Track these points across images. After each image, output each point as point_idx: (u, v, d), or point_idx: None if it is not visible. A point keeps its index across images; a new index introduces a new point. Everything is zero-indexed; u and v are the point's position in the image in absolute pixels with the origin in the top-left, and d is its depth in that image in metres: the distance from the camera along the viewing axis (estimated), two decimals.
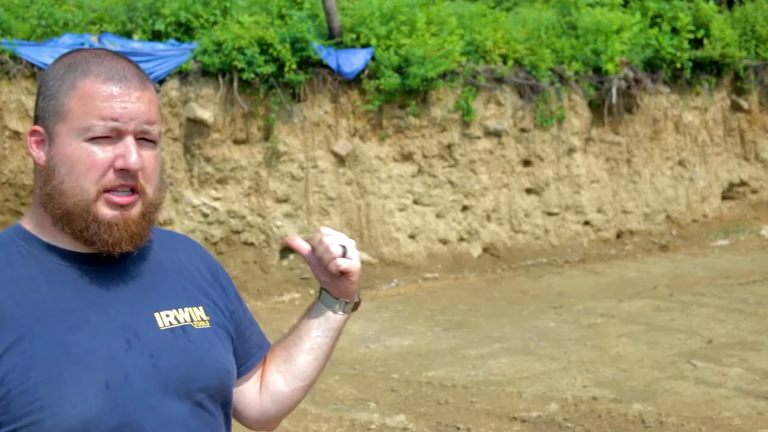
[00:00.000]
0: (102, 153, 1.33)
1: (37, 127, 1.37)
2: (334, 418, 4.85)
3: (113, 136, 1.33)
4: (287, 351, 1.61)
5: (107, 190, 1.33)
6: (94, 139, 1.32)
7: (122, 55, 1.41)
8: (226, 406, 1.48)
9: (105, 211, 1.33)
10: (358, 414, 4.92)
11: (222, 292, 1.54)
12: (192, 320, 1.43)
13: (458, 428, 4.63)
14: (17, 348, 1.27)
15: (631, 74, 10.77)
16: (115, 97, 1.33)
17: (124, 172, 1.33)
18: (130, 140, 1.33)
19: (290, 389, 1.61)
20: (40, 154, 1.37)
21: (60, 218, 1.35)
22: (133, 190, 1.35)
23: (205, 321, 1.45)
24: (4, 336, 1.27)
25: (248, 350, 1.59)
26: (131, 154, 1.33)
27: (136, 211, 1.36)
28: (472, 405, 5.01)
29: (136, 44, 8.46)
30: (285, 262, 8.89)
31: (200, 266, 1.54)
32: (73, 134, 1.33)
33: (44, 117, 1.36)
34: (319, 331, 1.59)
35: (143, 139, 1.36)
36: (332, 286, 1.57)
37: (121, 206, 1.34)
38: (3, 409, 1.25)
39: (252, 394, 1.61)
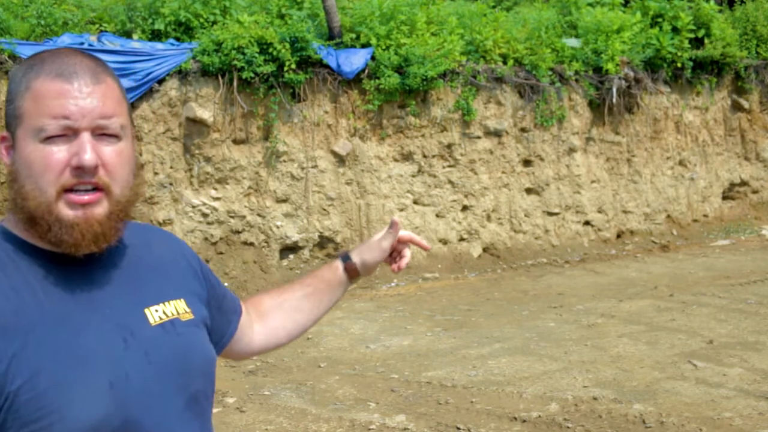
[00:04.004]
0: (57, 153, 1.30)
1: (5, 133, 1.36)
2: (334, 418, 4.84)
3: (68, 134, 1.30)
4: (300, 315, 1.78)
5: (66, 190, 1.30)
6: (49, 139, 1.30)
7: (82, 51, 1.38)
8: (212, 394, 1.51)
9: (66, 212, 1.31)
10: (358, 414, 4.91)
11: (197, 278, 1.56)
12: (178, 313, 1.44)
13: (458, 428, 4.62)
14: (23, 355, 1.26)
15: (631, 74, 10.77)
16: (64, 94, 1.30)
17: (80, 170, 1.30)
18: (85, 137, 1.30)
19: (288, 339, 1.80)
20: (7, 160, 1.36)
21: (26, 221, 1.33)
22: (97, 188, 1.32)
23: (188, 312, 1.47)
24: (9, 345, 1.26)
25: (226, 319, 1.66)
26: (85, 151, 1.29)
27: (101, 210, 1.33)
28: (472, 405, 5.00)
29: (136, 44, 8.45)
30: (285, 262, 8.88)
31: (176, 256, 1.55)
32: (29, 136, 1.31)
33: (8, 122, 1.35)
34: (333, 299, 1.81)
35: (103, 134, 1.33)
36: (369, 268, 1.79)
37: (83, 205, 1.31)
38: (13, 414, 1.25)
39: (244, 345, 1.73)
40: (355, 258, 1.78)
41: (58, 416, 1.25)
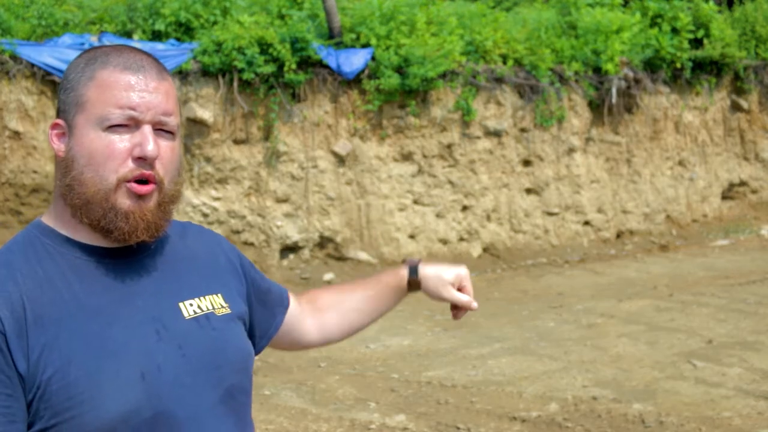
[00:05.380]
0: (120, 142, 1.34)
1: (59, 120, 1.39)
2: (334, 418, 4.85)
3: (131, 125, 1.34)
4: (357, 315, 1.79)
5: (127, 180, 1.34)
6: (111, 128, 1.33)
7: (142, 50, 1.43)
8: (249, 388, 1.51)
9: (123, 201, 1.34)
10: (358, 414, 4.92)
11: (236, 274, 1.57)
12: (213, 308, 1.46)
13: (458, 428, 4.64)
14: (56, 344, 1.29)
15: (631, 74, 10.78)
16: (132, 87, 1.34)
17: (142, 160, 1.34)
18: (147, 129, 1.34)
19: (341, 338, 1.83)
20: (60, 147, 1.38)
21: (79, 208, 1.36)
22: (150, 180, 1.36)
23: (225, 308, 1.48)
24: (42, 334, 1.29)
25: (271, 312, 1.67)
26: (148, 142, 1.34)
27: (153, 201, 1.37)
28: (472, 405, 5.01)
29: (136, 44, 8.46)
30: (285, 262, 8.89)
31: (215, 251, 1.57)
32: (91, 124, 1.34)
33: (65, 109, 1.38)
34: (390, 306, 1.82)
35: (161, 130, 1.37)
36: (426, 290, 1.78)
37: (139, 196, 1.35)
38: (45, 403, 1.27)
39: (296, 337, 1.76)
40: (422, 273, 1.77)
41: (89, 406, 1.27)
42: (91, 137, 1.34)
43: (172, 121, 1.38)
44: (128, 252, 1.40)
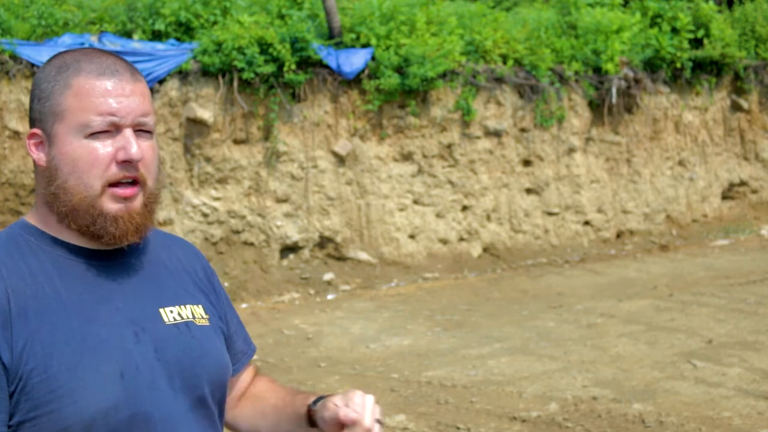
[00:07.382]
0: (103, 148, 1.35)
1: (36, 130, 1.40)
2: None
3: (111, 131, 1.36)
4: (264, 420, 1.61)
5: (111, 184, 1.36)
6: (93, 135, 1.35)
7: (110, 52, 1.43)
8: (222, 402, 1.51)
9: (110, 206, 1.36)
10: None
11: (215, 296, 1.58)
12: (194, 317, 1.46)
13: (458, 428, 4.64)
14: (38, 338, 1.30)
15: (631, 74, 10.78)
16: (110, 92, 1.36)
17: (127, 163, 1.36)
18: (129, 132, 1.36)
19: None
20: (40, 156, 1.39)
21: (66, 215, 1.37)
22: (135, 182, 1.37)
23: (205, 319, 1.49)
24: (26, 327, 1.30)
25: (231, 357, 1.59)
26: (132, 145, 1.35)
27: (138, 202, 1.38)
28: (472, 405, 5.01)
29: (136, 44, 8.46)
30: (285, 262, 8.89)
31: (196, 268, 1.58)
32: (72, 132, 1.35)
33: (41, 119, 1.38)
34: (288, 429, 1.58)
35: (140, 130, 1.38)
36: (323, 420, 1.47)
37: (125, 198, 1.36)
38: (26, 396, 1.28)
39: (229, 399, 1.61)
40: (320, 402, 1.49)
41: (69, 400, 1.28)
42: (74, 146, 1.35)
43: (150, 121, 1.40)
44: (112, 254, 1.41)
